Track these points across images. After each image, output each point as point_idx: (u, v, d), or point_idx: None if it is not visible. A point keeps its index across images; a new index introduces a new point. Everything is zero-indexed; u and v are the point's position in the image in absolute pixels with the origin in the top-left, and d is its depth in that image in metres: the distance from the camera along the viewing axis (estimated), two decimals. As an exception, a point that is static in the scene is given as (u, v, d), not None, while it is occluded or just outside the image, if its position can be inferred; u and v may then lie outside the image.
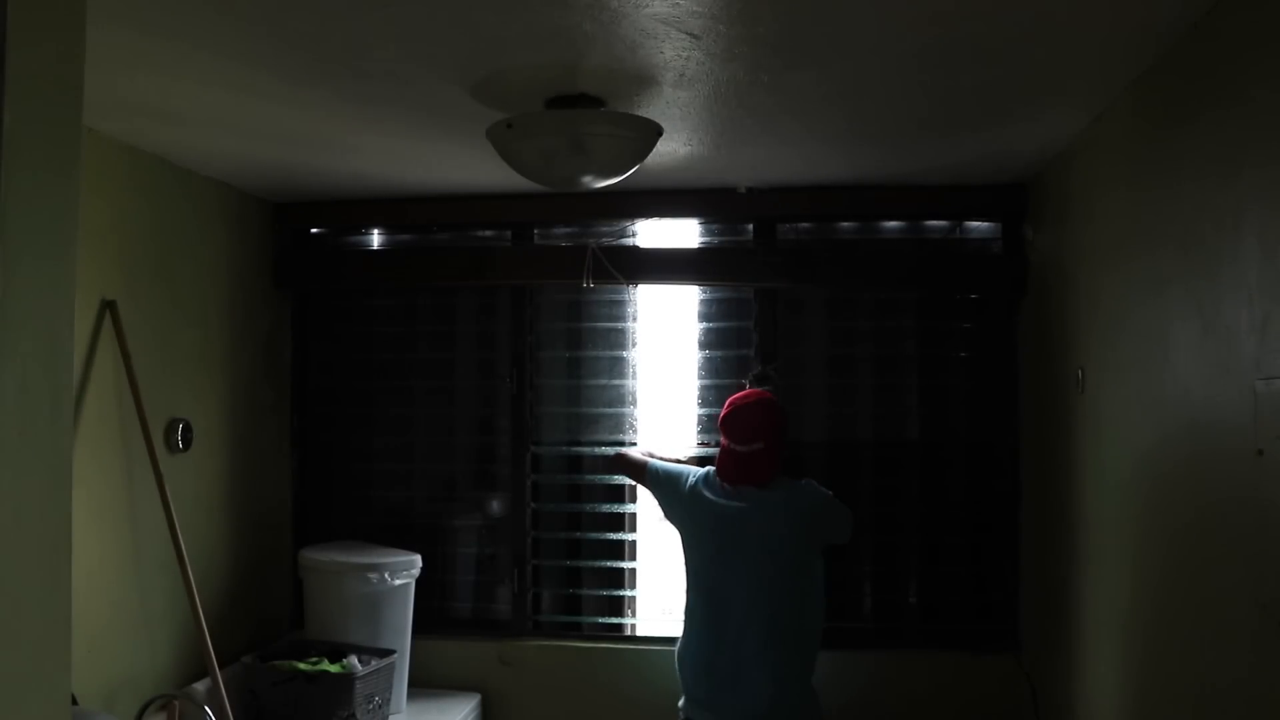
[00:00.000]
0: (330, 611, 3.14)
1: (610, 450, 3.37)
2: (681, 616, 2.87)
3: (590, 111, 2.25)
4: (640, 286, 3.39)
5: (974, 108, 2.39)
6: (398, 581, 3.16)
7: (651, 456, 3.08)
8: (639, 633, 3.44)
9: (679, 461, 3.07)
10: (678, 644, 2.85)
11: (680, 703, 2.81)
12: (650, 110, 2.34)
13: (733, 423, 2.81)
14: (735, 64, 2.06)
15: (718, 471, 2.83)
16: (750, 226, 3.38)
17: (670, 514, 2.94)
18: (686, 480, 2.89)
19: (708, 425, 3.40)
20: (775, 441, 2.79)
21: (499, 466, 3.51)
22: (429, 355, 3.58)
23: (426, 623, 3.35)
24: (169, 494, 2.73)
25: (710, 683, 2.72)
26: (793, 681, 2.69)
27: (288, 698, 2.87)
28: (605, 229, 3.39)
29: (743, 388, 3.26)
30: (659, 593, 3.46)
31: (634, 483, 3.21)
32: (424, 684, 3.30)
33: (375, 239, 3.63)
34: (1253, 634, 1.62)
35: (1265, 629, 1.57)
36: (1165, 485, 2.03)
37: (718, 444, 2.88)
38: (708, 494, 2.81)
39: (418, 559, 3.24)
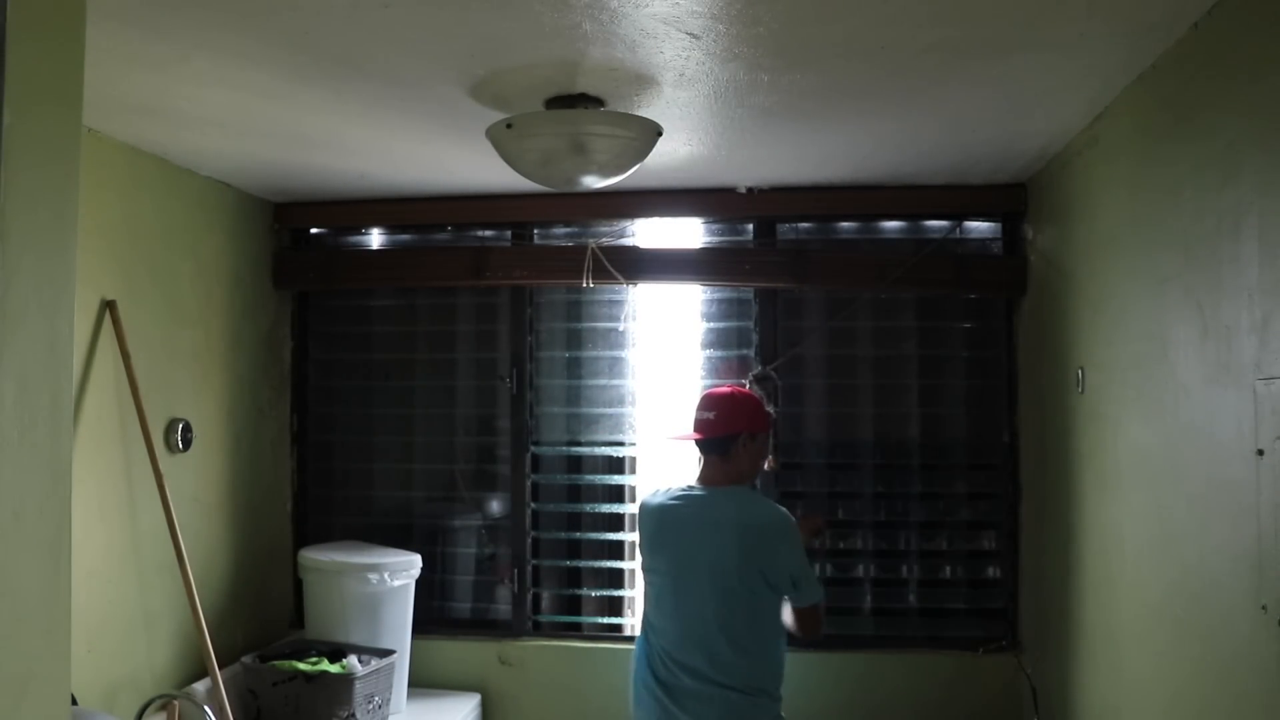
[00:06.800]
0: (330, 611, 3.14)
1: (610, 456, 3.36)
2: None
3: (590, 111, 2.25)
4: (640, 286, 3.39)
5: (974, 107, 2.39)
6: (397, 581, 3.16)
7: None
8: (639, 633, 3.43)
9: None
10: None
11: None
12: (650, 110, 2.34)
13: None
14: (735, 64, 2.06)
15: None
16: (750, 226, 3.38)
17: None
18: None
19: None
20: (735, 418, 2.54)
21: (499, 466, 3.51)
22: (429, 355, 3.58)
23: (426, 623, 3.35)
24: (169, 494, 2.73)
25: None
26: None
27: (288, 698, 2.87)
28: (605, 229, 3.39)
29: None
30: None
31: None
32: (424, 684, 3.30)
33: (375, 239, 3.62)
34: (1253, 634, 1.62)
35: (1265, 629, 1.57)
36: (1165, 485, 2.03)
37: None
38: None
39: (417, 559, 3.24)
